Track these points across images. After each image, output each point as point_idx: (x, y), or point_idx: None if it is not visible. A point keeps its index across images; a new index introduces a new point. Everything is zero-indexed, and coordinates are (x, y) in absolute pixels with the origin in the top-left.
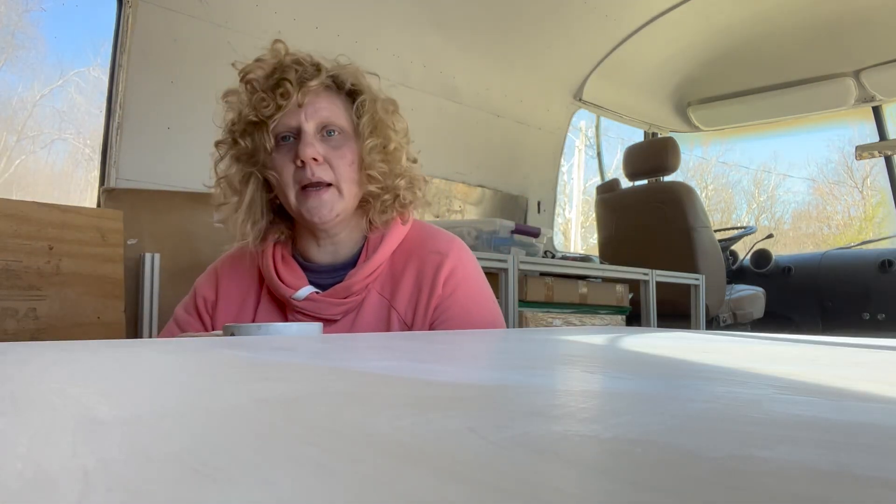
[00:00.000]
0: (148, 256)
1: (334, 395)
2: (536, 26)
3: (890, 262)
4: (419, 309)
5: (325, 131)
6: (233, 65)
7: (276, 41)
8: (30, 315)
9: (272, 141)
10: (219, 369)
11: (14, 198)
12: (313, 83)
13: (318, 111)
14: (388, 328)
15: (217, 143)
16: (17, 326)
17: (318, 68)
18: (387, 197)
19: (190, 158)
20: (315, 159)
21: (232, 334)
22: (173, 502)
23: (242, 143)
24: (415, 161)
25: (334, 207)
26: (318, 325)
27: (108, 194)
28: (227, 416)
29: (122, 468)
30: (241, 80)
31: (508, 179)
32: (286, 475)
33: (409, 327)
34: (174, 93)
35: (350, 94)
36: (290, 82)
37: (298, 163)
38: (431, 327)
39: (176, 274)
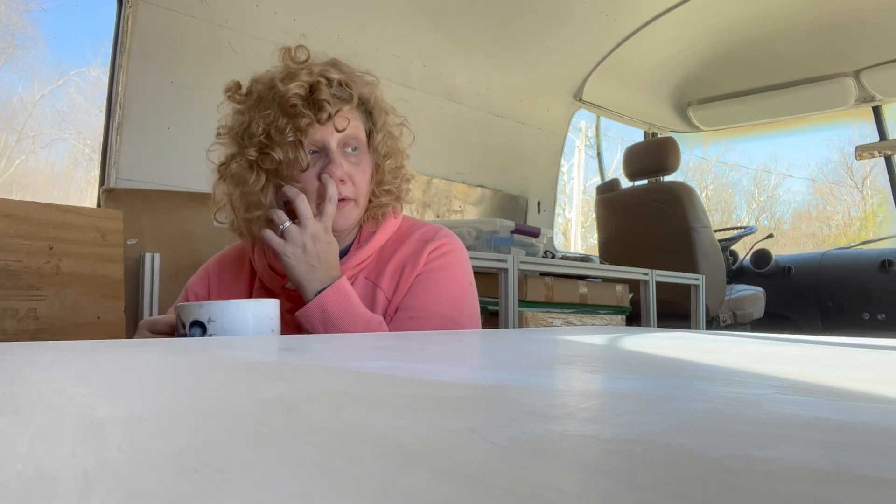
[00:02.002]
0: (148, 256)
1: (334, 395)
2: (536, 26)
3: (890, 262)
4: (402, 282)
5: (347, 147)
6: (255, 81)
7: (300, 46)
8: (30, 315)
9: (307, 158)
10: (219, 369)
11: (14, 198)
12: (346, 108)
13: (344, 129)
14: (372, 307)
15: (241, 153)
16: (17, 326)
17: (348, 88)
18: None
19: (190, 158)
20: (342, 179)
21: (181, 320)
22: (173, 502)
23: (276, 156)
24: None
25: (351, 217)
26: (275, 302)
27: (108, 194)
28: (227, 416)
29: (122, 468)
30: (283, 98)
31: (508, 179)
32: (286, 475)
33: (389, 301)
34: (174, 93)
35: (366, 107)
36: (329, 103)
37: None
38: (407, 294)
39: (176, 274)
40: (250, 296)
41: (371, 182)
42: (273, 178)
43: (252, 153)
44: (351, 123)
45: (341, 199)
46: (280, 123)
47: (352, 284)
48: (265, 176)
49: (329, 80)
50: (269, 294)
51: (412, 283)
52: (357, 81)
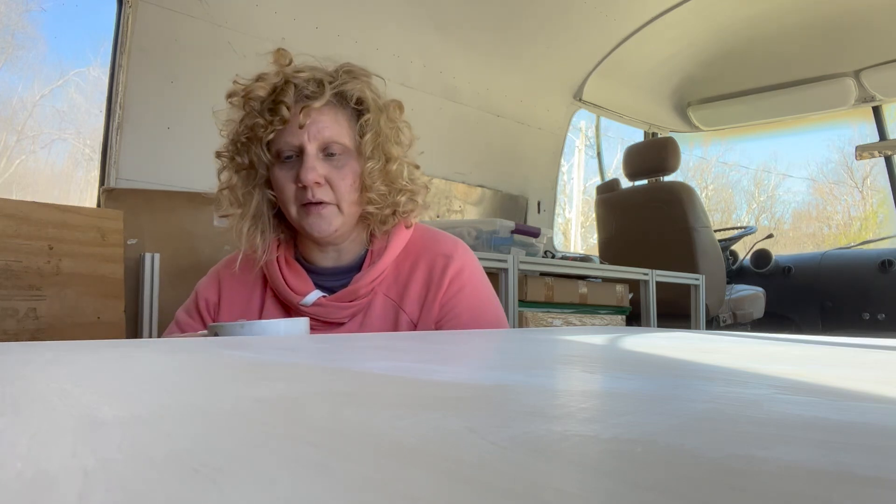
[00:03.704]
0: (148, 256)
1: (334, 395)
2: (536, 26)
3: (890, 262)
4: (426, 307)
5: (327, 151)
6: (235, 82)
7: (280, 50)
8: (30, 315)
9: (267, 156)
10: (219, 369)
11: (14, 198)
12: (316, 104)
13: (321, 131)
14: (396, 329)
15: (218, 154)
16: (17, 326)
17: (320, 85)
18: (387, 212)
19: (190, 158)
20: (317, 182)
21: (216, 334)
22: (173, 502)
23: (240, 160)
24: (417, 167)
25: (333, 223)
26: (305, 320)
27: (108, 194)
28: (227, 416)
29: (122, 468)
30: (242, 97)
31: (508, 179)
32: (286, 475)
33: (415, 326)
34: (174, 93)
35: (355, 107)
36: (287, 106)
37: (300, 184)
38: (438, 326)
39: (176, 274)
40: (262, 305)
41: (359, 191)
42: (250, 178)
43: (227, 154)
44: (330, 126)
45: (317, 203)
46: (241, 127)
47: (370, 302)
48: (239, 177)
49: (301, 82)
50: (282, 304)
51: (440, 311)
52: (343, 78)
